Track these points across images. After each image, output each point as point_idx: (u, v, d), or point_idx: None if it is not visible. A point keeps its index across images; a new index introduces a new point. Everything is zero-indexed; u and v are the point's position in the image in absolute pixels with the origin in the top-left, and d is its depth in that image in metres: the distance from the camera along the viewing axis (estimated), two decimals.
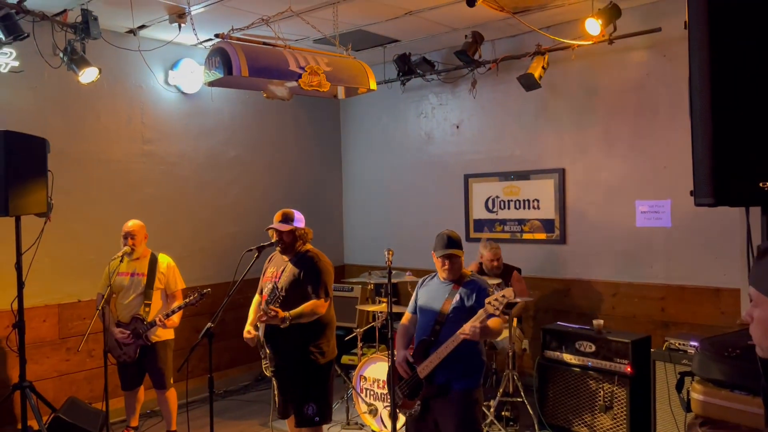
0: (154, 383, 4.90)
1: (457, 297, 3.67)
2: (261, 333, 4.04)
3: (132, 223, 4.90)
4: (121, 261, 4.73)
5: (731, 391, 2.89)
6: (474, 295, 3.65)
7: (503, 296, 3.46)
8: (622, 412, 4.66)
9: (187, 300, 4.65)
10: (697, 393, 3.00)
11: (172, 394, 4.96)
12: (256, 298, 4.34)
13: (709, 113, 1.85)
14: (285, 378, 4.10)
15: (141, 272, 4.86)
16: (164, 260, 4.99)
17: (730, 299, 5.04)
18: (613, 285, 5.72)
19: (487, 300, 3.49)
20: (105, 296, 4.64)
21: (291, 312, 3.82)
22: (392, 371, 3.73)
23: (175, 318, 4.81)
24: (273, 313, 3.76)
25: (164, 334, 4.89)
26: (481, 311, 3.49)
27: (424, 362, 3.62)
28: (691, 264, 5.28)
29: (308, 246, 4.16)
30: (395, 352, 3.79)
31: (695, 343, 4.46)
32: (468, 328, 3.44)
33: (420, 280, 4.00)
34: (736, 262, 4.99)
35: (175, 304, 4.79)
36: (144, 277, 4.85)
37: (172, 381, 4.91)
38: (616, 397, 4.71)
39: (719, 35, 1.87)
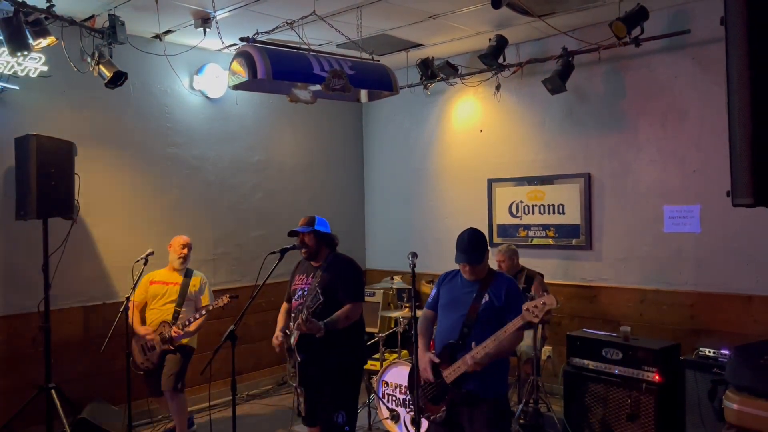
0: (162, 384, 4.87)
1: (486, 298, 3.49)
2: (292, 340, 3.98)
3: (186, 238, 5.20)
4: (144, 262, 4.81)
5: (767, 400, 2.80)
6: (503, 294, 3.48)
7: (544, 303, 3.22)
8: (649, 421, 4.56)
9: (198, 313, 4.84)
10: (731, 402, 2.92)
11: (181, 399, 4.92)
12: (284, 306, 4.29)
13: (748, 111, 1.78)
14: (315, 385, 3.99)
15: (175, 282, 5.05)
16: (197, 275, 5.16)
17: (763, 306, 4.91)
18: (641, 291, 5.61)
19: (525, 306, 3.28)
20: (132, 301, 4.72)
21: (326, 321, 3.78)
22: (416, 373, 3.57)
23: (192, 326, 4.90)
24: (310, 323, 3.72)
25: (186, 340, 4.96)
26: (518, 318, 3.29)
27: (451, 367, 3.47)
28: (721, 270, 5.16)
29: (336, 251, 4.13)
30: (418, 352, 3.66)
31: (727, 351, 4.36)
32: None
33: (441, 276, 3.81)
34: None
35: (191, 317, 4.90)
36: (178, 286, 5.02)
37: (180, 386, 4.88)
38: (643, 406, 4.61)
39: (758, 30, 1.81)
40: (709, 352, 4.54)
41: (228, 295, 4.75)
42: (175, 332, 4.79)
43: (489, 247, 3.68)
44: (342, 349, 3.93)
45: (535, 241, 6.35)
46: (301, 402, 4.01)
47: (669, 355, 4.67)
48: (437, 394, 3.57)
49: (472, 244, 3.54)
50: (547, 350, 5.47)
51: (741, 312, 5.03)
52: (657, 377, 4.55)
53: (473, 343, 3.42)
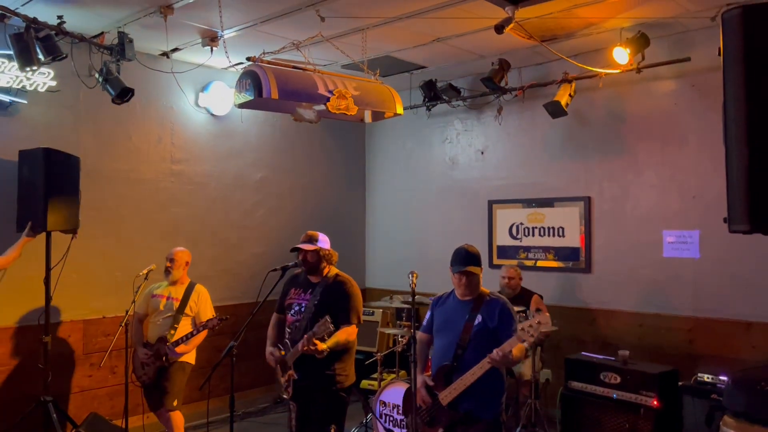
0: (156, 402, 4.82)
1: (479, 318, 3.51)
2: (289, 356, 3.99)
3: (176, 249, 5.07)
4: (145, 277, 4.78)
5: (764, 427, 2.81)
6: (497, 316, 3.50)
7: (539, 323, 3.25)
8: None
9: (198, 327, 4.73)
10: (728, 427, 2.92)
11: (176, 417, 4.83)
12: (275, 317, 4.29)
13: (745, 138, 1.83)
14: (306, 400, 4.05)
15: (176, 297, 4.93)
16: (199, 290, 5.04)
17: (762, 333, 4.91)
18: (639, 315, 5.61)
19: (520, 326, 3.29)
20: (131, 315, 4.66)
21: (328, 343, 3.79)
22: (414, 393, 3.58)
23: (187, 346, 4.79)
24: (313, 345, 3.73)
25: (183, 357, 4.86)
26: (513, 338, 3.31)
27: (447, 389, 3.47)
28: (720, 296, 5.17)
29: (335, 270, 4.14)
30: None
31: (725, 378, 4.36)
32: (497, 354, 3.29)
33: (434, 299, 3.84)
34: None
35: (187, 332, 4.79)
36: (177, 302, 4.91)
37: (175, 403, 4.78)
38: (641, 431, 4.59)
39: (755, 60, 1.86)
40: (708, 377, 4.54)
41: (218, 318, 4.70)
42: (168, 350, 4.74)
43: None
44: (336, 365, 3.94)
45: (535, 263, 6.36)
46: (293, 418, 4.02)
47: (667, 380, 4.67)
48: (433, 417, 3.56)
49: (469, 254, 3.62)
50: (545, 373, 5.46)
51: (739, 338, 5.03)
52: (655, 402, 4.54)
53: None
